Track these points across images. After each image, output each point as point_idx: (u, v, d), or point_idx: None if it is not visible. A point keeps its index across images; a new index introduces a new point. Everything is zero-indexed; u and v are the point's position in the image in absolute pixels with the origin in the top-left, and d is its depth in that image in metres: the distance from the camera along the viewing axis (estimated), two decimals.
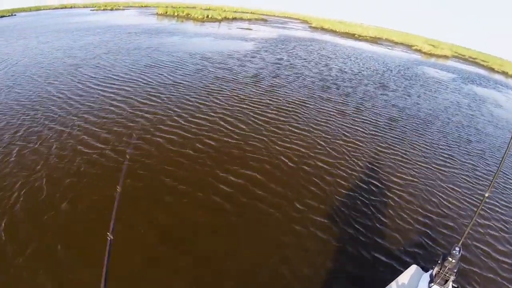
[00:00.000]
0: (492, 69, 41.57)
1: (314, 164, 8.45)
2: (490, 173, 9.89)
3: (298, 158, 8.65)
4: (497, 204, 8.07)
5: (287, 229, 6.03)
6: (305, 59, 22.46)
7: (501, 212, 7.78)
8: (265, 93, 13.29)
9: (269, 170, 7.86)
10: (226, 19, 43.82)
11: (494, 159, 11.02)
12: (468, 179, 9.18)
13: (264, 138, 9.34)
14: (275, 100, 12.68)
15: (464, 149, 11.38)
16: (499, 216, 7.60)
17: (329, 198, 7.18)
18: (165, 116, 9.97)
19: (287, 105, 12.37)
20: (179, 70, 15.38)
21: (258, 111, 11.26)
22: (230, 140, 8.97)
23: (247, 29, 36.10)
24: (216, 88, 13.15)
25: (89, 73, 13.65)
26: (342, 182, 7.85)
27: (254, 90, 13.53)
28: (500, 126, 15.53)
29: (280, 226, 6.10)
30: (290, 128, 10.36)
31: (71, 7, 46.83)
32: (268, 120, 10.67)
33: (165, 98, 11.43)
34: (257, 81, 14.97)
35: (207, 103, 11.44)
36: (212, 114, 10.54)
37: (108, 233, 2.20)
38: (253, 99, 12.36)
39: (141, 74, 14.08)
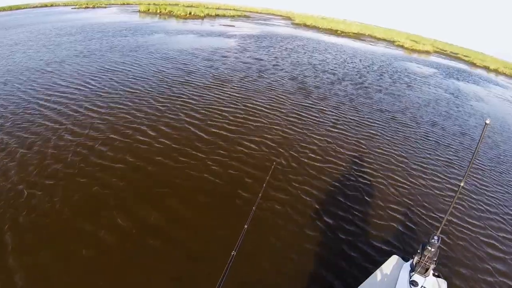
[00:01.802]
0: (473, 64, 41.85)
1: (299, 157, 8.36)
2: (466, 163, 9.93)
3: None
4: (472, 192, 8.23)
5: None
6: (284, 57, 22.05)
7: (475, 199, 7.90)
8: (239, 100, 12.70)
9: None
10: (208, 16, 43.24)
11: (471, 150, 11.16)
12: (445, 169, 9.28)
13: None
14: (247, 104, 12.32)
15: (443, 141, 11.51)
16: (475, 204, 7.72)
17: (309, 189, 7.09)
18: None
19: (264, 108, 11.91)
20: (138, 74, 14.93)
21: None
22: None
23: (229, 25, 35.61)
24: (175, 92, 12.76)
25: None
26: (323, 176, 7.71)
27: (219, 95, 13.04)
28: (479, 118, 15.60)
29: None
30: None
31: (51, 6, 45.79)
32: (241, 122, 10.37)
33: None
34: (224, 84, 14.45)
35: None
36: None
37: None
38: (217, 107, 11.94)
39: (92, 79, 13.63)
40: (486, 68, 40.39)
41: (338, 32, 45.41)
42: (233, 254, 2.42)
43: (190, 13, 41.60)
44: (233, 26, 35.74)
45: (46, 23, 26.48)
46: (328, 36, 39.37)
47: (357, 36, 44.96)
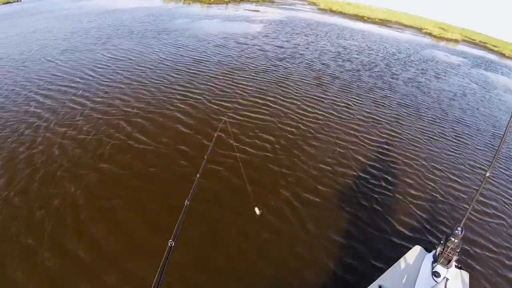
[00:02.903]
0: (503, 55, 40.59)
1: (329, 141, 8.63)
2: (492, 153, 9.95)
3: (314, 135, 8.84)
4: (499, 183, 8.19)
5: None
6: (308, 43, 22.03)
7: (503, 190, 7.88)
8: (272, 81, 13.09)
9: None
10: (233, 0, 43.08)
11: (497, 140, 11.19)
12: (470, 159, 9.29)
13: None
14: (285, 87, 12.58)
15: (469, 131, 11.47)
16: (501, 195, 7.69)
17: (337, 177, 7.23)
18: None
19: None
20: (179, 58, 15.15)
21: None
22: None
23: (254, 10, 35.45)
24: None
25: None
26: (356, 156, 8.12)
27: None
28: (506, 110, 15.42)
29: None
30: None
31: None
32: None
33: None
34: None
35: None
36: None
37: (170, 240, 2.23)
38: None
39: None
40: None
41: (364, 18, 44.65)
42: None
43: None
44: (258, 11, 35.58)
45: (71, 9, 26.95)
46: (353, 22, 38.79)
47: (384, 23, 44.14)
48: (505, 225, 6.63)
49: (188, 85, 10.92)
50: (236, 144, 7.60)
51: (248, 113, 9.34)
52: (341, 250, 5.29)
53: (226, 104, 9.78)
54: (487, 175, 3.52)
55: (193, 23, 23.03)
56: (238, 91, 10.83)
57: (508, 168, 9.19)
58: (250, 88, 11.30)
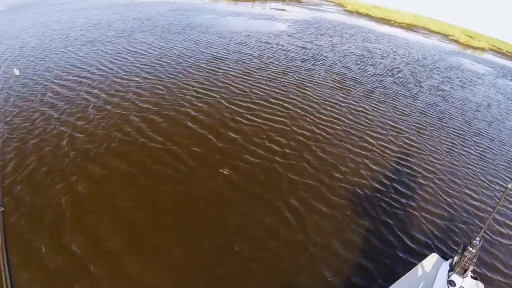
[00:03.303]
0: None
1: (344, 147, 8.68)
2: None
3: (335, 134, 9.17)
4: None
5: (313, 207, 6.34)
6: (333, 45, 22.09)
7: None
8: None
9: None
10: None
11: None
12: (492, 170, 9.31)
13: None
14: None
15: (493, 143, 11.35)
16: None
17: (356, 180, 7.36)
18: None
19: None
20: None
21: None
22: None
23: (280, 9, 35.48)
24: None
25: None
26: (372, 166, 8.07)
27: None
28: None
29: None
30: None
31: None
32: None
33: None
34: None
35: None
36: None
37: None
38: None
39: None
40: None
41: (391, 22, 44.13)
42: None
43: None
44: (284, 10, 35.60)
45: (92, 2, 27.41)
46: (380, 25, 38.42)
47: (410, 27, 43.55)
48: None
49: (205, 82, 11.09)
50: (252, 147, 7.79)
51: (264, 114, 9.45)
52: (357, 258, 5.33)
53: (241, 103, 9.89)
54: (510, 186, 3.48)
55: (217, 20, 23.30)
56: (256, 91, 10.95)
57: None
58: (268, 88, 11.40)
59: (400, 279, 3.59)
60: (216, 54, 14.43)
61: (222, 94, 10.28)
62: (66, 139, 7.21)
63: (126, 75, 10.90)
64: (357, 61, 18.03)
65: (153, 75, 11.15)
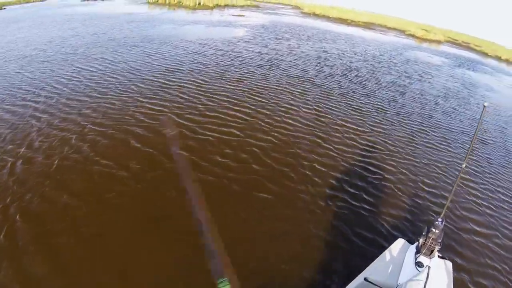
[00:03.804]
0: (485, 54, 40.82)
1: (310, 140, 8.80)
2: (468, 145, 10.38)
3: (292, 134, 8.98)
4: (474, 173, 8.74)
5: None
6: (289, 48, 21.86)
7: (479, 180, 8.37)
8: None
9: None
10: (218, 6, 42.75)
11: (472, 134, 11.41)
12: (451, 152, 9.78)
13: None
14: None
15: (449, 126, 11.96)
16: (478, 184, 8.16)
17: (316, 173, 7.40)
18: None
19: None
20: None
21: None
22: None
23: (238, 15, 35.19)
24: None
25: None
26: (329, 167, 7.81)
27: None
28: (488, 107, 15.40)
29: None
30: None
31: None
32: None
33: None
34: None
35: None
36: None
37: None
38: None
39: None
40: (498, 58, 39.44)
41: (348, 21, 44.59)
42: None
43: (199, 4, 41.10)
44: (243, 16, 35.32)
45: (54, 17, 26.12)
46: (337, 25, 38.70)
47: (367, 26, 44.13)
48: (484, 212, 7.04)
49: (155, 96, 10.38)
50: (204, 163, 7.23)
51: (214, 127, 8.82)
52: (322, 250, 5.33)
53: (192, 116, 9.24)
54: (463, 166, 3.63)
55: (174, 30, 22.42)
56: (208, 102, 10.30)
57: (482, 158, 9.73)
58: (220, 98, 10.77)
59: (369, 266, 3.64)
60: (168, 66, 13.63)
61: (172, 108, 9.58)
62: (5, 169, 6.41)
63: (74, 95, 9.97)
64: (313, 62, 17.66)
65: (103, 93, 10.26)
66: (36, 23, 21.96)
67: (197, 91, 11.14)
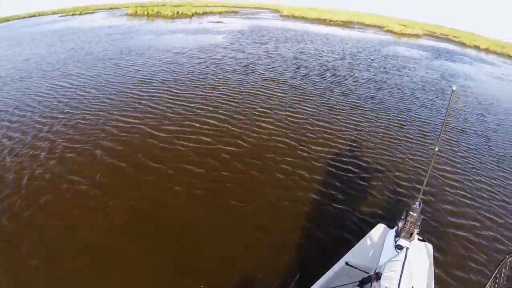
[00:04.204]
0: (463, 44, 41.16)
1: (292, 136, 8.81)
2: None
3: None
4: (447, 155, 9.01)
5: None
6: (271, 50, 21.62)
7: (451, 162, 8.63)
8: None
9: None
10: (197, 14, 42.57)
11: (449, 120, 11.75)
12: (427, 138, 10.01)
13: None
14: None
15: (424, 114, 12.26)
16: (451, 167, 8.40)
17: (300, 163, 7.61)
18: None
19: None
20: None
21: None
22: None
23: (217, 22, 35.05)
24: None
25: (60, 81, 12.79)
26: (304, 162, 7.86)
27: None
28: (466, 95, 16.03)
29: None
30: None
31: (39, 15, 44.90)
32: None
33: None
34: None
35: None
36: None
37: None
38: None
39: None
40: (477, 48, 39.75)
41: (327, 21, 44.77)
42: None
43: (178, 13, 40.91)
44: (221, 22, 35.19)
45: (31, 34, 25.61)
46: (316, 26, 38.78)
47: (346, 24, 44.32)
48: (458, 193, 7.23)
49: (128, 108, 10.09)
50: (176, 177, 6.94)
51: (189, 136, 8.56)
52: (305, 235, 5.46)
53: (167, 127, 8.98)
54: (436, 150, 3.70)
55: (152, 41, 22.01)
56: (182, 111, 10.06)
57: (461, 147, 9.82)
58: (193, 106, 10.50)
59: (350, 251, 3.72)
60: (143, 77, 13.30)
61: (144, 119, 9.30)
62: None
63: (48, 113, 9.65)
64: (290, 64, 17.50)
65: (76, 108, 9.99)
66: (13, 42, 21.44)
67: (170, 100, 10.89)
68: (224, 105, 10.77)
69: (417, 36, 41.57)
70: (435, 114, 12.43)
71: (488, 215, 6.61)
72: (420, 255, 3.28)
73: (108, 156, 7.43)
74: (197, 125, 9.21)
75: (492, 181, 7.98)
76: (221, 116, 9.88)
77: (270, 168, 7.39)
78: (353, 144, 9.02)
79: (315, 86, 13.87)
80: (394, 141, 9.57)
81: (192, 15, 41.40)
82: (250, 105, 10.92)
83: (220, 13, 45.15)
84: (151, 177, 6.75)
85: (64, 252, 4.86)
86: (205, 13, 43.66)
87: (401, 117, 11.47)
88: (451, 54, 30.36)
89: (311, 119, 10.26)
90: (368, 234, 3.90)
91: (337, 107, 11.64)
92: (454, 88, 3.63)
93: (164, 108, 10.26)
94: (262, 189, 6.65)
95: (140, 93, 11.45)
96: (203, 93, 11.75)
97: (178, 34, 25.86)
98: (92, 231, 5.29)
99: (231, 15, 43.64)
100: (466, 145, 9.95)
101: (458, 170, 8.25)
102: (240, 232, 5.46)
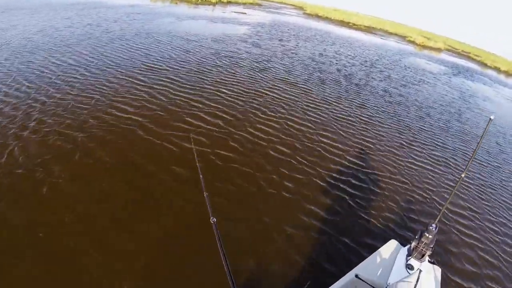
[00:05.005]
0: (484, 64, 40.14)
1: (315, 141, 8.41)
2: (469, 156, 10.07)
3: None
4: (472, 183, 8.50)
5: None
6: (290, 47, 20.90)
7: (475, 191, 8.13)
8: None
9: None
10: (220, 2, 41.86)
11: (474, 144, 11.38)
12: (447, 161, 9.50)
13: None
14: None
15: (448, 134, 11.68)
16: (474, 195, 7.94)
17: (317, 174, 7.12)
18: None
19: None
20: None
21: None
22: None
23: (240, 13, 34.35)
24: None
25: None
26: (331, 164, 7.68)
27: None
28: (484, 117, 15.46)
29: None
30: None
31: None
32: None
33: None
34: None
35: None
36: None
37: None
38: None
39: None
40: (497, 69, 38.79)
41: (350, 24, 43.83)
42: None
43: None
44: (244, 13, 34.46)
45: (54, 4, 25.16)
46: (339, 28, 37.87)
47: (369, 30, 43.36)
48: (477, 224, 6.81)
49: (126, 95, 9.14)
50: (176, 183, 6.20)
51: (173, 138, 7.58)
52: (315, 247, 5.18)
53: (174, 123, 8.06)
54: (463, 176, 3.61)
55: (171, 25, 21.08)
56: (181, 103, 9.18)
57: (482, 171, 9.47)
58: (198, 102, 9.52)
59: (360, 263, 3.61)
60: (152, 63, 12.35)
61: (142, 111, 8.36)
62: None
63: (40, 85, 8.92)
64: (307, 66, 16.60)
65: (73, 87, 9.14)
66: (30, 12, 20.70)
67: (174, 92, 9.96)
68: (228, 103, 9.89)
69: (438, 50, 40.60)
70: (458, 135, 11.92)
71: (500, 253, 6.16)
72: (429, 278, 3.23)
73: (91, 143, 6.67)
74: (188, 127, 8.07)
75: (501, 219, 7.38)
76: (225, 115, 8.98)
77: (274, 182, 6.58)
78: (371, 158, 8.54)
79: (329, 93, 12.87)
80: (413, 161, 8.99)
81: (216, 2, 40.72)
82: (257, 107, 10.00)
83: (244, 4, 44.39)
84: (151, 181, 5.96)
85: None
86: (229, 2, 42.92)
87: (420, 137, 10.67)
88: (471, 72, 29.38)
89: (320, 130, 9.38)
90: (380, 249, 3.77)
91: (351, 118, 10.76)
92: (492, 117, 3.46)
93: (165, 100, 9.30)
94: (268, 198, 5.97)
95: (145, 79, 10.53)
96: (210, 87, 10.82)
97: (199, 20, 24.96)
98: None
99: (255, 7, 42.78)
100: (478, 173, 9.28)
101: (479, 202, 7.71)
102: (252, 238, 5.13)
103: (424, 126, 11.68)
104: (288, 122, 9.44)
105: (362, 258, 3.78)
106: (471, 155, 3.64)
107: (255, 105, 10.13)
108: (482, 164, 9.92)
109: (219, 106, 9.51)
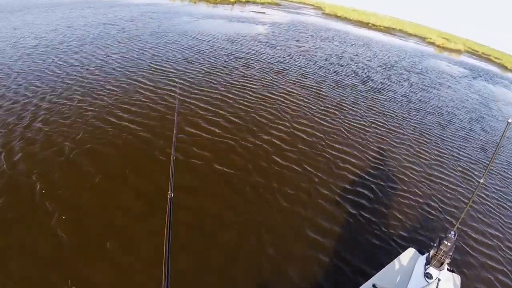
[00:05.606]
0: (505, 67, 39.03)
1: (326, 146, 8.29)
2: (487, 161, 9.87)
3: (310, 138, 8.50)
4: (492, 189, 8.26)
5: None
6: (308, 48, 20.40)
7: (495, 197, 7.91)
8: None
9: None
10: (239, 1, 41.65)
11: (493, 149, 11.05)
12: (466, 166, 9.25)
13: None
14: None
15: (466, 139, 11.42)
16: (494, 201, 7.71)
17: (333, 178, 6.97)
18: None
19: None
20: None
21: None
22: None
23: (259, 12, 34.04)
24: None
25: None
26: (350, 167, 7.60)
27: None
28: (503, 121, 15.09)
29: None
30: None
31: None
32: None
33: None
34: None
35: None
36: None
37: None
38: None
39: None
40: None
41: (369, 25, 43.05)
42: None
43: None
44: (263, 13, 34.20)
45: (69, 2, 25.22)
46: (357, 28, 37.15)
47: (388, 31, 42.50)
48: (496, 230, 6.65)
49: (125, 99, 8.71)
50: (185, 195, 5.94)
51: (184, 144, 7.22)
52: (333, 254, 5.05)
53: (161, 131, 7.48)
54: (482, 181, 3.55)
55: (188, 24, 20.90)
56: (184, 111, 8.60)
57: (503, 176, 9.19)
58: (202, 109, 8.94)
59: (378, 273, 3.51)
60: (159, 64, 11.99)
61: (141, 118, 7.87)
62: None
63: (40, 86, 8.75)
64: (324, 68, 16.04)
65: (73, 90, 8.82)
66: (46, 10, 20.28)
67: (180, 97, 9.36)
68: (234, 110, 9.24)
69: (458, 52, 39.54)
70: (477, 134, 12.07)
71: None
72: (448, 286, 3.17)
73: (82, 155, 6.18)
74: (188, 134, 7.57)
75: None
76: (228, 124, 8.34)
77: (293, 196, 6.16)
78: (396, 153, 8.77)
79: (345, 99, 12.19)
80: (434, 157, 9.10)
81: (235, 2, 40.52)
82: (266, 116, 9.29)
83: (262, 3, 44.04)
84: (157, 186, 5.64)
85: None
86: (247, 2, 42.63)
87: (440, 146, 10.16)
88: (491, 76, 28.46)
89: (330, 138, 8.88)
90: (397, 258, 3.68)
91: (366, 124, 10.26)
92: (510, 120, 3.41)
93: (167, 105, 8.76)
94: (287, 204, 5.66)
95: (148, 83, 10.05)
96: (217, 92, 10.24)
97: (217, 20, 24.65)
98: None
99: (274, 7, 42.32)
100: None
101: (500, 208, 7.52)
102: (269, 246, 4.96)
103: (445, 135, 11.19)
104: (300, 129, 9.01)
105: (379, 268, 3.64)
106: (490, 160, 3.46)
107: (261, 112, 9.61)
108: (504, 169, 9.79)
109: (224, 113, 9.06)
